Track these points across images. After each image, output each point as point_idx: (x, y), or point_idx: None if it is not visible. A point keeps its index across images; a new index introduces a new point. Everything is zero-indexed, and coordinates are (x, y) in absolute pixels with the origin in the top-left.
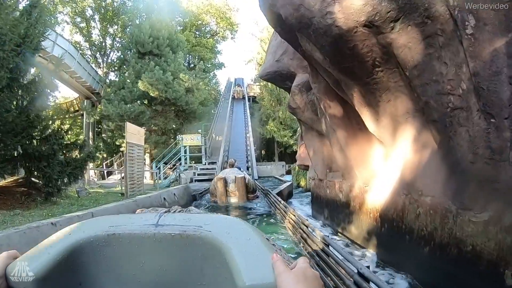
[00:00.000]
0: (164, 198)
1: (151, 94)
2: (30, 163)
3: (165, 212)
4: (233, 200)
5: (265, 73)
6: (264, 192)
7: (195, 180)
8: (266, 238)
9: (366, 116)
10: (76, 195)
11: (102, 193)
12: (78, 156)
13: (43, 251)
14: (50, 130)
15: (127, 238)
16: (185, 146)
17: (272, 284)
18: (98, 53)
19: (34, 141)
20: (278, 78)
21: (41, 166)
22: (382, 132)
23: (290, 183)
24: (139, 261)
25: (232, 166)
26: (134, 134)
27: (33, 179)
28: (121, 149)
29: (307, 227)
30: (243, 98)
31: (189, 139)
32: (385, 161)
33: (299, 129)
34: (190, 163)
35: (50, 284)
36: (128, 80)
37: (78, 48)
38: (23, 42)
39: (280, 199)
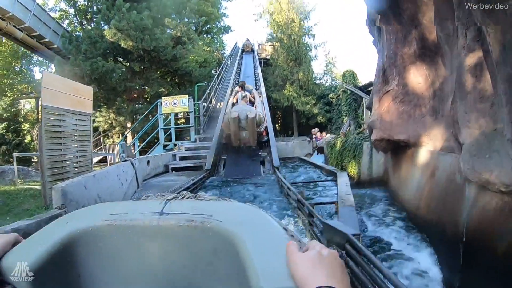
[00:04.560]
0: None
1: (123, 45)
2: None
3: (172, 198)
4: (244, 135)
5: None
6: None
7: (172, 169)
8: (284, 228)
9: None
10: None
11: (31, 191)
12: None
13: (39, 241)
14: None
15: (128, 228)
16: (165, 115)
17: (291, 287)
18: (84, 18)
19: None
20: None
21: None
22: None
23: (346, 178)
24: (142, 252)
25: (243, 99)
26: (63, 92)
27: None
28: (95, 124)
29: None
30: (252, 51)
31: (171, 104)
32: None
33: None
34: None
35: (46, 276)
36: (88, 27)
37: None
38: None
39: None
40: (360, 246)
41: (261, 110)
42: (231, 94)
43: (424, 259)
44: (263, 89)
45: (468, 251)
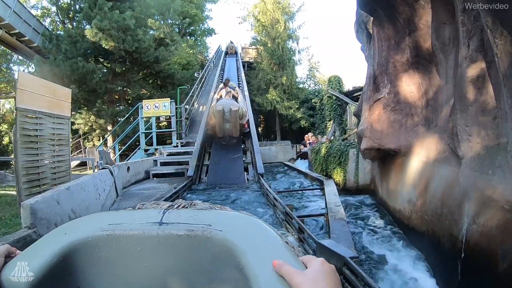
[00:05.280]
0: None
1: (104, 46)
2: None
3: (169, 207)
4: (228, 126)
5: None
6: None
7: (153, 176)
8: (280, 236)
9: None
10: None
11: (7, 198)
12: None
13: (37, 253)
14: None
15: (128, 238)
16: (147, 118)
17: None
18: (66, 17)
19: None
20: None
21: None
22: None
23: (333, 187)
24: (141, 262)
25: (227, 94)
26: (40, 94)
27: None
28: (74, 126)
29: None
30: (236, 53)
31: (152, 107)
32: None
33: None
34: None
35: None
36: (69, 26)
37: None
38: None
39: None
40: (359, 271)
41: (244, 105)
42: (215, 92)
43: (419, 275)
44: (246, 93)
45: (467, 267)
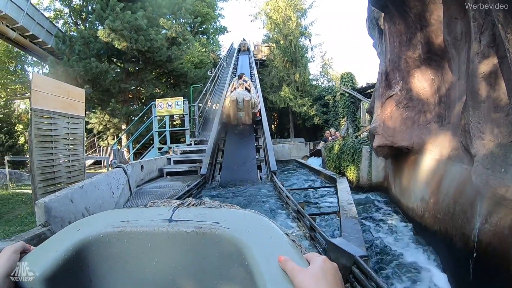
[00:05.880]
0: None
1: (117, 46)
2: None
3: (179, 205)
4: (241, 115)
5: None
6: None
7: (167, 174)
8: (286, 234)
9: None
10: None
11: (22, 196)
12: None
13: (50, 248)
14: None
15: (139, 235)
16: (160, 117)
17: None
18: (79, 18)
19: None
20: None
21: None
22: None
23: (346, 185)
24: (152, 258)
25: (240, 86)
26: (54, 95)
27: None
28: (89, 125)
29: None
30: (248, 50)
31: (165, 106)
32: None
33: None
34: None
35: (59, 282)
36: (82, 27)
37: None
38: None
39: None
40: (368, 270)
41: (256, 96)
42: (227, 90)
43: (432, 273)
44: (259, 91)
45: (479, 267)
